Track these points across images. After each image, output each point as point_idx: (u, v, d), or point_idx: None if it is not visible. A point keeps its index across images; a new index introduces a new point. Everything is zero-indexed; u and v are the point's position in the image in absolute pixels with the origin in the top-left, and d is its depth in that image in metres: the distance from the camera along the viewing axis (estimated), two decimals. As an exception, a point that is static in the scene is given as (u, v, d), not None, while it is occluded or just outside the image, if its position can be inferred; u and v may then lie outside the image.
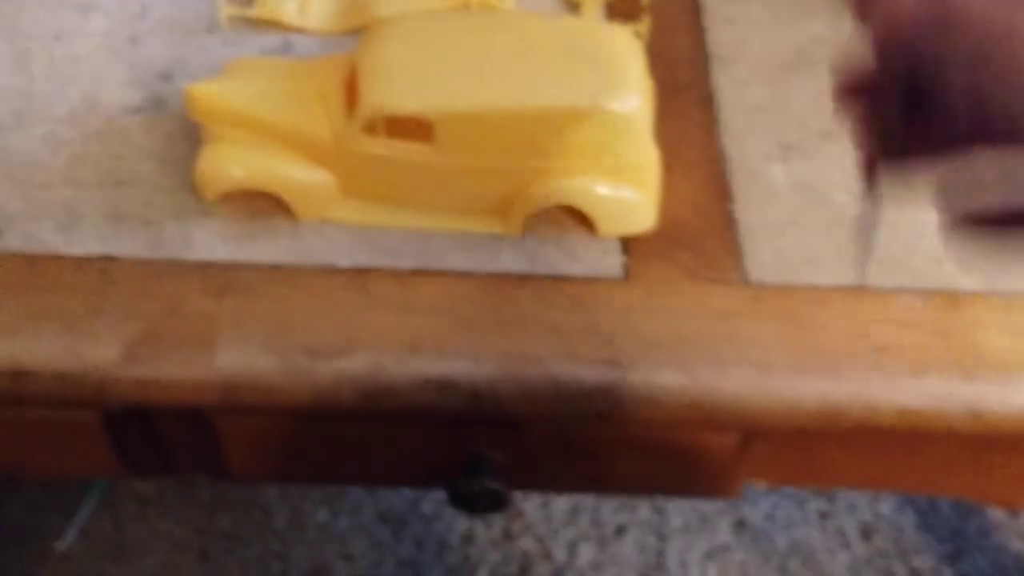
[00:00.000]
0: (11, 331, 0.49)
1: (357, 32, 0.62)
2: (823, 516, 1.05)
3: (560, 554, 1.00)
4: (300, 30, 0.62)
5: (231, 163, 0.52)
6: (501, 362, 0.49)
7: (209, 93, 0.52)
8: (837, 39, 0.65)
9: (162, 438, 0.56)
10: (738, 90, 0.62)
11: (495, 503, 0.55)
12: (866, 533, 1.04)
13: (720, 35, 0.65)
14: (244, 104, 0.52)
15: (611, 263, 0.53)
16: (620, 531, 1.02)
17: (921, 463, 0.60)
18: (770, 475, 0.60)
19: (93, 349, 0.48)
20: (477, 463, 0.55)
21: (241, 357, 0.49)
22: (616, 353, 0.50)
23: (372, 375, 0.49)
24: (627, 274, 0.53)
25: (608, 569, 0.99)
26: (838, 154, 0.59)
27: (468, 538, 1.00)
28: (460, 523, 1.01)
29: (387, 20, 0.53)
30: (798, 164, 0.59)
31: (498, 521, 1.01)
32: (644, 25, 0.63)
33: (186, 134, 0.57)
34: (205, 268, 0.52)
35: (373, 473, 0.59)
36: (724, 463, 0.57)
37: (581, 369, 0.49)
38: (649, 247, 0.54)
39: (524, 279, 0.52)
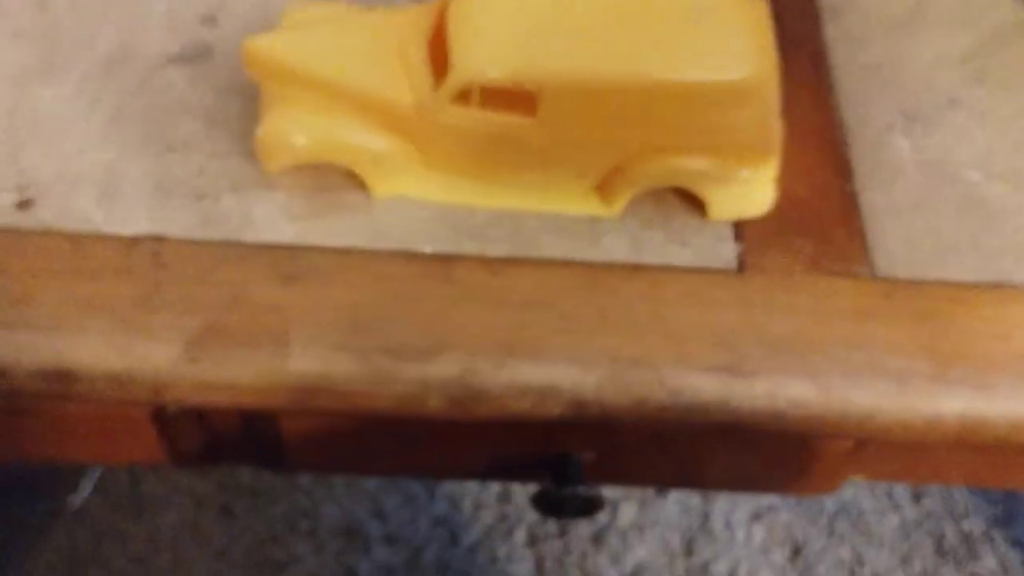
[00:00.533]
0: (55, 325, 0.43)
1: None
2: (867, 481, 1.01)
3: (602, 514, 0.96)
4: (361, -33, 0.55)
5: (298, 131, 0.45)
6: (609, 366, 0.44)
7: (272, 48, 0.45)
8: (961, -11, 0.58)
9: (213, 431, 0.51)
10: (852, 46, 0.55)
11: (587, 508, 0.50)
12: (916, 495, 1.01)
13: (830, -18, 0.58)
14: (313, 62, 0.45)
15: (725, 251, 0.47)
16: (663, 491, 0.98)
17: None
18: (872, 472, 0.55)
19: (149, 347, 0.43)
20: (565, 465, 0.50)
21: (316, 358, 0.43)
22: (737, 359, 0.44)
23: (463, 380, 0.43)
24: (742, 264, 0.47)
25: (651, 531, 0.96)
26: (967, 125, 0.53)
27: (504, 497, 0.96)
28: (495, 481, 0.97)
29: (478, -33, 0.46)
30: (923, 136, 0.52)
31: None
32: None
33: (237, 90, 0.50)
34: (270, 251, 0.45)
35: (443, 468, 0.54)
36: (832, 465, 0.52)
37: (698, 377, 0.44)
38: (765, 233, 0.48)
39: (631, 269, 0.46)
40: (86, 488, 0.92)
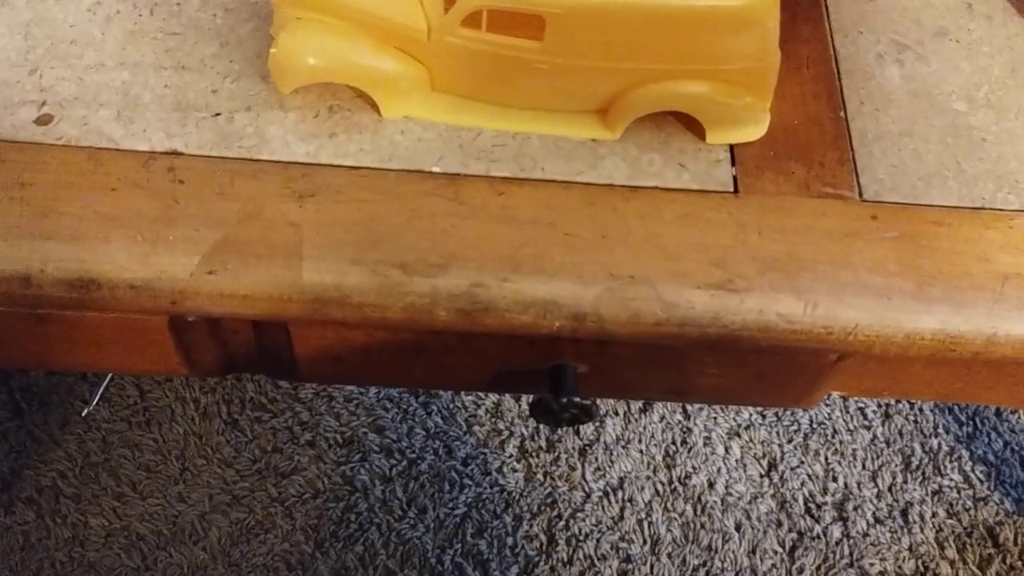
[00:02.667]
0: (78, 236, 0.45)
1: None
2: (845, 396, 1.05)
3: (587, 429, 1.00)
4: None
5: (312, 51, 0.47)
6: (607, 283, 0.46)
7: (286, -31, 0.46)
8: (955, -80, 0.59)
9: (229, 340, 0.53)
10: (848, -24, 0.57)
11: (581, 416, 0.53)
12: (886, 414, 1.05)
13: (828, -90, 0.59)
14: (326, -16, 0.46)
15: (721, 174, 0.49)
16: (646, 408, 1.01)
17: (1006, 380, 0.59)
18: (852, 388, 0.58)
19: (169, 258, 0.45)
20: (561, 376, 0.53)
21: (329, 271, 0.45)
22: (729, 276, 0.47)
23: (470, 293, 0.46)
24: (737, 187, 0.49)
25: (634, 444, 1.00)
26: (956, 55, 0.55)
27: (496, 412, 0.99)
28: (489, 397, 1.00)
29: None
30: (913, 65, 0.54)
31: (525, 397, 1.00)
32: None
33: (250, 11, 0.51)
34: (283, 168, 0.47)
35: (446, 379, 0.57)
36: (814, 379, 0.55)
37: (692, 293, 0.46)
38: (759, 156, 0.50)
39: (630, 191, 0.48)
40: (95, 398, 0.94)
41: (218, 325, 0.51)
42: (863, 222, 0.49)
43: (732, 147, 0.50)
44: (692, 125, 0.50)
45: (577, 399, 0.52)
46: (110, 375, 0.96)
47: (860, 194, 0.50)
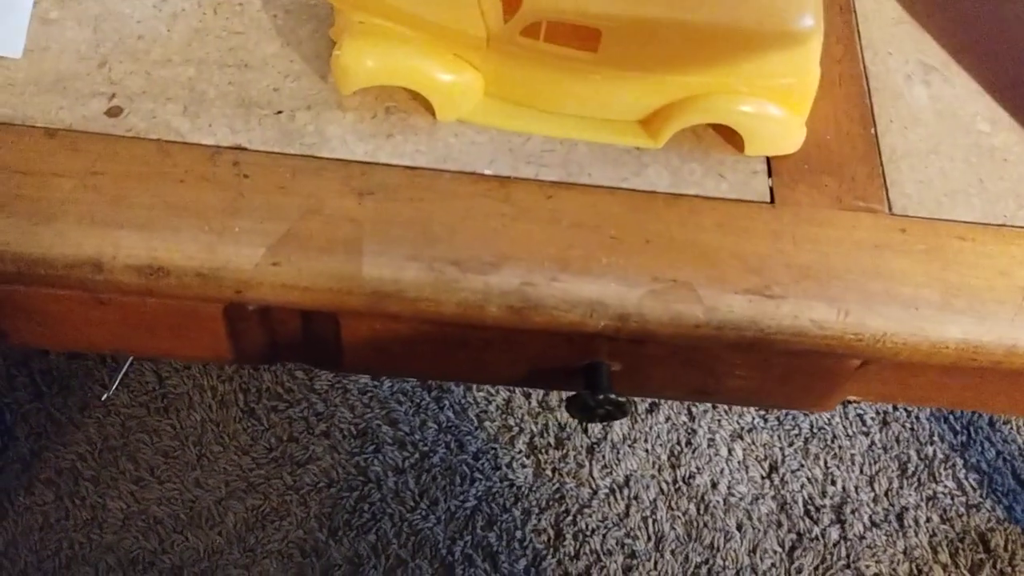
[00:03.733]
0: (148, 224, 0.46)
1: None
2: (845, 403, 1.08)
3: (595, 427, 1.02)
4: None
5: (374, 57, 0.49)
6: (651, 285, 0.48)
7: (351, -25, 0.48)
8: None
9: (277, 329, 0.55)
10: (879, 1, 0.59)
11: (615, 413, 0.55)
12: (884, 421, 1.08)
13: (860, -66, 0.62)
14: (391, -9, 0.48)
15: (758, 185, 0.52)
16: (653, 408, 1.04)
17: (1017, 389, 0.61)
18: (870, 393, 0.61)
19: (235, 249, 0.46)
20: (597, 374, 0.55)
21: (388, 266, 0.47)
22: (767, 282, 0.49)
23: (521, 291, 0.48)
24: (773, 198, 0.52)
25: (640, 444, 1.02)
26: (981, 77, 0.57)
27: (507, 408, 1.01)
28: (499, 394, 1.02)
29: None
30: (940, 86, 0.57)
31: (535, 394, 1.02)
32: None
33: (310, 13, 0.53)
34: (344, 166, 0.49)
35: (485, 373, 0.59)
36: (835, 383, 0.57)
37: (731, 298, 0.48)
38: (795, 169, 0.53)
39: (672, 198, 0.51)
40: (114, 383, 0.96)
41: (268, 314, 0.53)
42: (892, 235, 0.51)
43: (769, 159, 0.53)
44: (731, 137, 0.52)
45: (612, 396, 0.54)
46: (130, 360, 0.97)
47: (890, 208, 0.52)
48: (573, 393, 0.55)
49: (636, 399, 1.04)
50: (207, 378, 0.97)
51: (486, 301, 0.48)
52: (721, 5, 0.47)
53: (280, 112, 0.50)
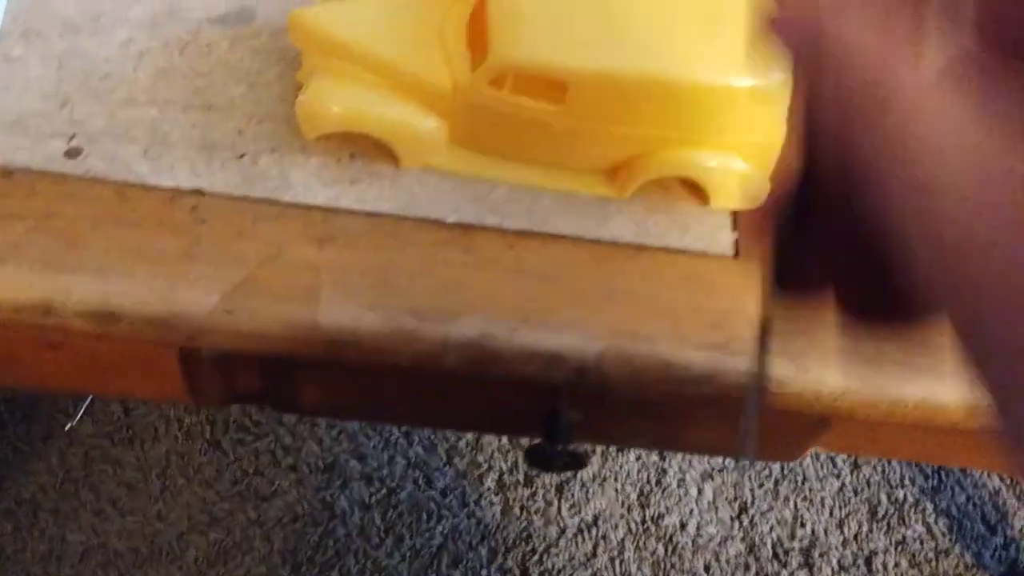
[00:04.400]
0: (102, 269, 0.46)
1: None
2: (827, 453, 1.08)
3: (566, 467, 1.01)
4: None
5: (338, 102, 0.48)
6: (611, 339, 0.48)
7: (318, 20, 0.48)
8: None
9: (235, 374, 0.54)
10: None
11: (573, 464, 0.55)
12: (855, 464, 1.07)
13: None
14: (356, 37, 0.48)
15: (722, 239, 0.52)
16: (624, 448, 1.03)
17: (977, 444, 0.61)
18: (836, 446, 0.60)
19: (189, 295, 0.46)
20: (556, 424, 0.55)
21: (345, 315, 0.47)
22: (727, 338, 0.49)
23: (480, 343, 0.47)
24: (737, 251, 0.51)
25: (610, 483, 1.01)
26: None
27: (477, 445, 1.00)
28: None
29: (514, -43, 0.49)
30: (907, 142, 0.57)
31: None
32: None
33: (278, 55, 0.53)
34: (305, 212, 0.49)
35: (445, 420, 0.58)
36: (801, 437, 0.57)
37: (691, 353, 0.48)
38: (760, 223, 0.52)
39: (635, 250, 0.50)
40: (78, 413, 0.95)
41: (225, 359, 0.52)
42: (855, 292, 0.51)
43: (734, 213, 0.53)
44: (696, 189, 0.52)
45: (570, 447, 0.54)
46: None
47: (853, 265, 0.52)
48: (533, 443, 0.55)
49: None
50: (173, 409, 0.96)
51: (444, 352, 0.47)
52: (689, 61, 0.47)
53: (243, 155, 0.50)
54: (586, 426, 0.56)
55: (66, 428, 0.93)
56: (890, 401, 0.49)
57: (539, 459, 0.55)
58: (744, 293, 0.50)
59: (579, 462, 0.55)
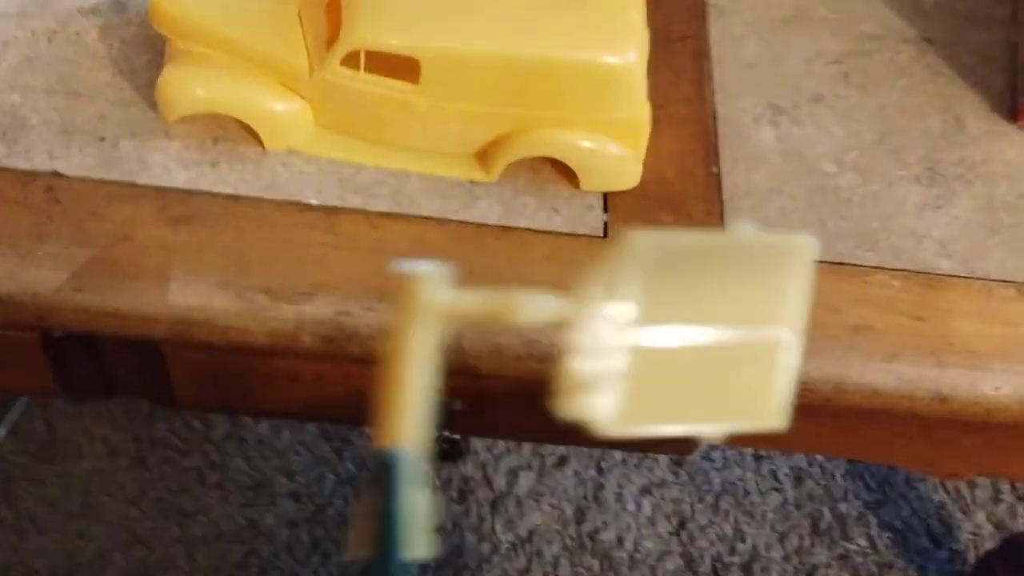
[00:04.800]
0: (-52, 248, 0.45)
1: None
2: (758, 459, 1.06)
3: (500, 481, 1.00)
4: (274, -66, 0.58)
5: (197, 83, 0.48)
6: (471, 318, 0.47)
7: (177, 4, 0.48)
8: (837, -4, 0.63)
9: (104, 361, 0.53)
10: (733, 44, 0.60)
11: (451, 454, 0.54)
12: (798, 478, 1.06)
13: (718, -19, 0.62)
14: (215, 21, 0.48)
15: (592, 220, 0.51)
16: (561, 462, 1.02)
17: (881, 436, 0.60)
18: (744, 438, 0.59)
19: (37, 274, 0.45)
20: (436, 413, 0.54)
21: (196, 293, 0.46)
22: (590, 317, 0.48)
23: (335, 321, 0.47)
24: (607, 232, 0.51)
25: (546, 498, 1.00)
26: (829, 120, 0.57)
27: (409, 460, 0.99)
28: (402, 445, 1.00)
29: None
30: (788, 128, 0.57)
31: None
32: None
33: (147, 44, 0.53)
34: (162, 194, 0.48)
35: (323, 410, 0.57)
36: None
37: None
38: (631, 205, 0.52)
39: (501, 230, 0.50)
40: (1, 431, 0.94)
41: (94, 346, 0.52)
42: (725, 271, 0.51)
43: (606, 195, 0.52)
44: (568, 173, 0.52)
45: (447, 435, 0.53)
46: (20, 406, 0.95)
47: (725, 245, 0.52)
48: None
49: (544, 451, 1.03)
50: (98, 426, 0.95)
51: (298, 330, 0.47)
52: (540, 39, 0.47)
53: (103, 139, 0.50)
54: (469, 416, 0.55)
55: (-13, 445, 0.92)
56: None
57: (416, 449, 0.54)
58: (610, 272, 0.50)
59: (457, 448, 0.54)
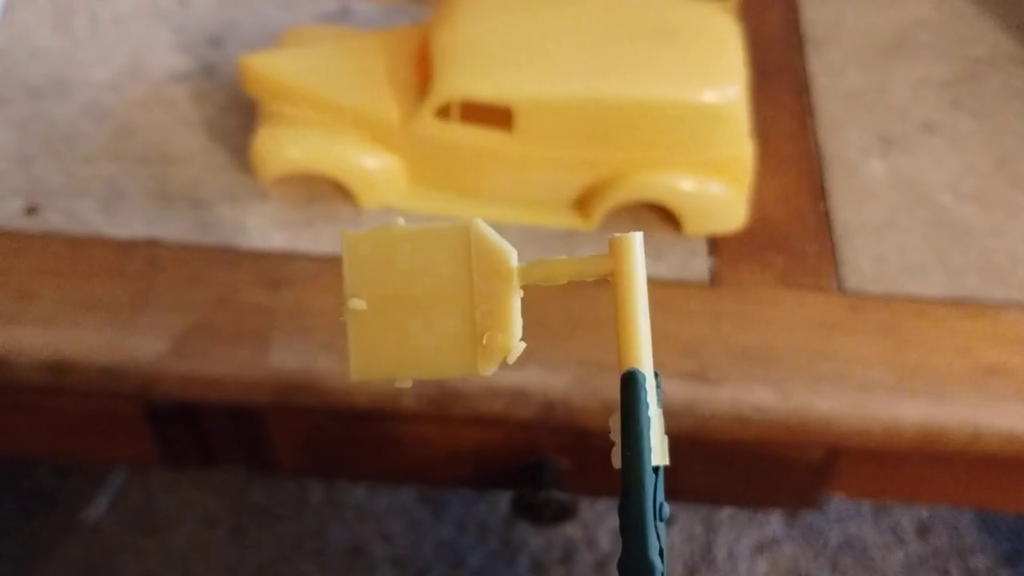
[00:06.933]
0: (53, 320, 0.45)
1: (420, 1, 0.58)
2: (877, 512, 1.01)
3: (604, 542, 0.96)
4: (360, -5, 0.58)
5: (290, 144, 0.48)
6: (577, 372, 0.45)
7: (267, 66, 0.48)
8: (942, 20, 0.60)
9: (206, 430, 0.53)
10: (834, 75, 0.57)
11: (561, 514, 0.52)
12: (922, 531, 1.00)
13: (814, 13, 0.60)
14: (305, 80, 0.48)
15: (698, 265, 0.49)
16: (668, 520, 0.98)
17: (1012, 482, 0.56)
18: (852, 489, 0.56)
19: (139, 342, 0.45)
20: (541, 471, 0.52)
21: (298, 356, 0.45)
22: (703, 366, 0.46)
23: (440, 382, 0.45)
24: (714, 278, 0.49)
25: (651, 559, 0.96)
26: (941, 149, 0.54)
27: (510, 522, 0.97)
28: (501, 506, 0.97)
29: (462, -9, 0.49)
30: (898, 159, 0.54)
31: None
32: (732, 1, 0.58)
33: (238, 106, 0.53)
34: (260, 257, 0.48)
35: (426, 473, 0.56)
36: (806, 477, 0.53)
37: (666, 383, 0.45)
38: (738, 248, 0.50)
39: (603, 280, 0.48)
40: (102, 504, 0.94)
41: (193, 414, 0.51)
42: (842, 313, 0.48)
43: (710, 239, 0.50)
44: (669, 217, 0.50)
45: (555, 494, 0.51)
46: (118, 478, 0.96)
47: (840, 285, 0.49)
48: (515, 492, 0.52)
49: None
50: (196, 495, 0.95)
51: (401, 392, 0.45)
52: (636, 79, 0.45)
53: (199, 204, 0.49)
54: (576, 475, 0.53)
55: (89, 519, 0.93)
56: (884, 427, 0.45)
57: (524, 508, 0.52)
58: (720, 319, 0.47)
59: (567, 509, 0.51)
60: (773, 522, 0.99)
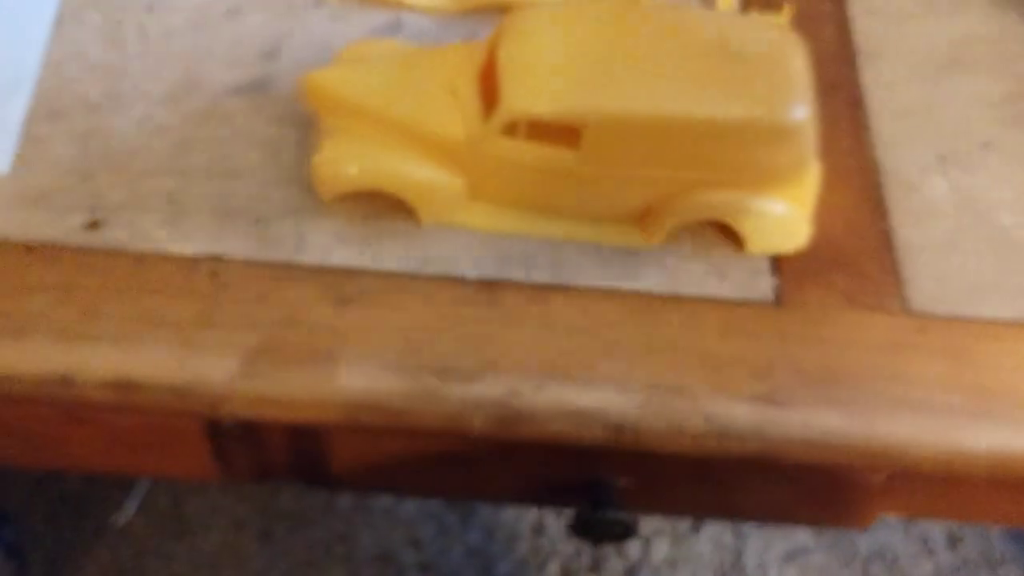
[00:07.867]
0: (119, 338, 0.45)
1: (472, 13, 0.57)
2: (907, 522, 1.01)
3: (634, 550, 0.96)
4: (412, 7, 0.57)
5: (352, 161, 0.48)
6: (647, 393, 0.45)
7: (330, 82, 0.48)
8: (997, 35, 0.60)
9: (264, 446, 0.52)
10: (889, 91, 0.57)
11: (622, 533, 0.51)
12: (952, 541, 1.00)
13: (867, 27, 0.60)
14: (368, 96, 0.47)
15: (762, 285, 0.49)
16: (697, 528, 0.98)
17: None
18: (906, 508, 0.56)
19: (208, 362, 0.45)
20: (601, 490, 0.51)
21: (367, 376, 0.45)
22: (772, 389, 0.45)
23: (507, 402, 0.45)
24: (779, 298, 0.49)
25: (683, 567, 0.96)
26: (1002, 167, 0.54)
27: (538, 529, 0.97)
28: (530, 513, 0.97)
29: (528, 8, 0.48)
30: (958, 177, 0.54)
31: (568, 513, 0.97)
32: (785, 16, 0.57)
33: (294, 120, 0.52)
34: (324, 273, 0.48)
35: (485, 490, 0.55)
36: (864, 498, 0.53)
37: (734, 406, 0.45)
38: (801, 267, 0.50)
39: (671, 300, 0.48)
40: (131, 508, 0.94)
41: (253, 430, 0.51)
42: (910, 335, 0.48)
43: (773, 258, 0.50)
44: (732, 234, 0.50)
45: (614, 514, 0.50)
46: (147, 483, 0.96)
47: (906, 306, 0.49)
48: (576, 512, 0.51)
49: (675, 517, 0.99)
50: (224, 499, 0.95)
51: (469, 413, 0.45)
52: (704, 97, 0.45)
53: (261, 220, 0.49)
54: (636, 493, 0.53)
55: (118, 524, 0.92)
56: (959, 452, 0.45)
57: (584, 528, 0.52)
58: (787, 340, 0.47)
59: (626, 530, 0.51)
60: (802, 530, 1.00)
